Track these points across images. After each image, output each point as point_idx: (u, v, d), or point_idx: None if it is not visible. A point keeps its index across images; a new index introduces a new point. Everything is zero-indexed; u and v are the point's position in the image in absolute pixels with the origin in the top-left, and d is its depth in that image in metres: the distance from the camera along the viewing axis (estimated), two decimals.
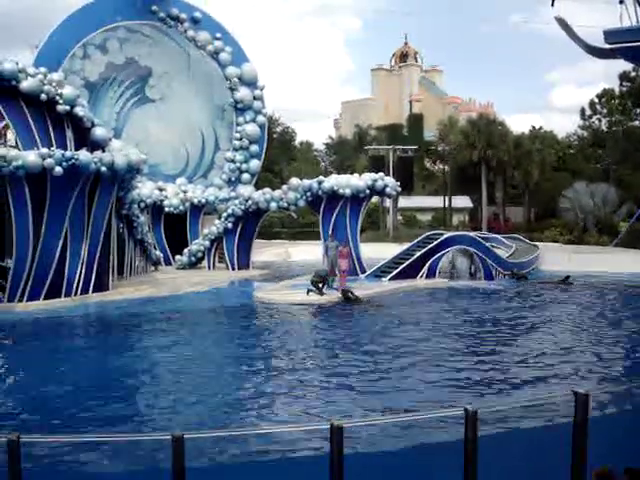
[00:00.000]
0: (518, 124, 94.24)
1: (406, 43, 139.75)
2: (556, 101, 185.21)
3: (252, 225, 34.66)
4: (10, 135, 31.04)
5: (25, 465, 6.13)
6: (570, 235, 47.75)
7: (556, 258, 37.14)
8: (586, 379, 13.52)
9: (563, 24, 13.44)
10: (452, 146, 59.42)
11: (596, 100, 59.74)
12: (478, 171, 55.93)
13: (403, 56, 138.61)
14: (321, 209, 32.08)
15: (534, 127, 62.97)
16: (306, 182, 32.57)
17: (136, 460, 8.60)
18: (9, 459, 6.25)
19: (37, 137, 24.44)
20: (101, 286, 25.61)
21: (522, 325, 20.38)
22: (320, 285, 25.22)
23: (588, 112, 60.57)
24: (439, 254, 30.58)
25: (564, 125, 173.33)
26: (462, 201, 63.54)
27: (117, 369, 15.07)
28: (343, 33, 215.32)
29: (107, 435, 9.01)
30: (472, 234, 34.49)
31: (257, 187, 37.79)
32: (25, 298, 23.40)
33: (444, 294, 27.27)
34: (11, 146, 25.99)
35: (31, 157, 22.48)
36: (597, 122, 60.64)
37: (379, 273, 30.67)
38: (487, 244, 32.57)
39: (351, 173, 35.95)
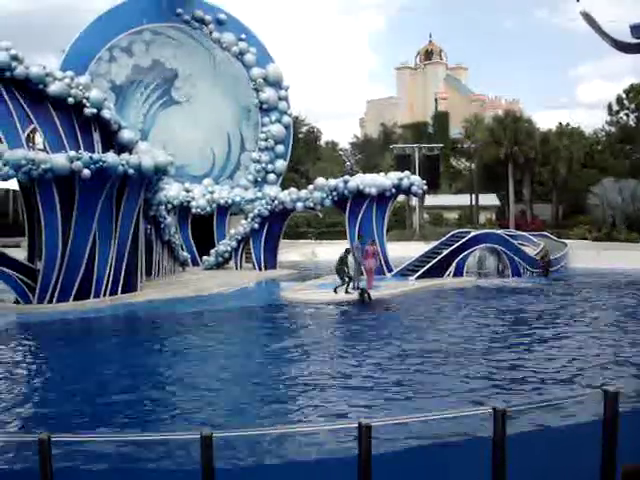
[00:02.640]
0: (545, 121, 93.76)
1: (431, 41, 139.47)
2: (583, 97, 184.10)
3: (278, 225, 34.75)
4: (38, 138, 31.39)
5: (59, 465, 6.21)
6: (599, 232, 47.26)
7: (585, 255, 36.83)
8: (617, 377, 13.38)
9: (589, 19, 13.26)
10: (478, 144, 59.14)
11: (623, 95, 59.17)
12: (505, 168, 55.65)
13: (428, 54, 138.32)
14: (347, 208, 32.05)
15: (561, 123, 62.48)
16: (332, 182, 32.55)
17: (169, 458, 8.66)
18: (40, 458, 6.33)
19: (65, 140, 24.70)
20: (129, 287, 25.81)
21: (551, 322, 20.20)
22: (344, 276, 25.33)
23: (615, 107, 59.98)
24: (466, 252, 30.43)
25: (591, 121, 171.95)
26: (489, 199, 63.19)
27: (148, 368, 15.17)
28: (367, 32, 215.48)
29: (137, 434, 9.09)
30: (499, 232, 34.31)
31: (283, 187, 37.88)
32: (55, 299, 23.63)
33: (471, 293, 27.13)
34: (39, 149, 26.26)
35: (59, 160, 22.71)
36: (625, 117, 60.04)
37: (406, 272, 30.59)
38: (515, 242, 32.35)
39: (377, 172, 35.90)
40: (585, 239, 46.13)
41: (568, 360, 15.04)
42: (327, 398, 12.36)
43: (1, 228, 48.37)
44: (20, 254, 26.33)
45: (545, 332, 18.64)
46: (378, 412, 11.11)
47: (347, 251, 26.18)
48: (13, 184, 28.06)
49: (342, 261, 25.58)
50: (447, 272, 29.98)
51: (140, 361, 16.03)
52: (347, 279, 25.54)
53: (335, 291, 25.27)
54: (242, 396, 12.69)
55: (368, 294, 24.61)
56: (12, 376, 14.58)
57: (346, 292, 25.23)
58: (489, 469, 7.08)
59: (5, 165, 22.59)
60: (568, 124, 62.77)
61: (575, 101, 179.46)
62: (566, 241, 40.62)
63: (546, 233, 42.72)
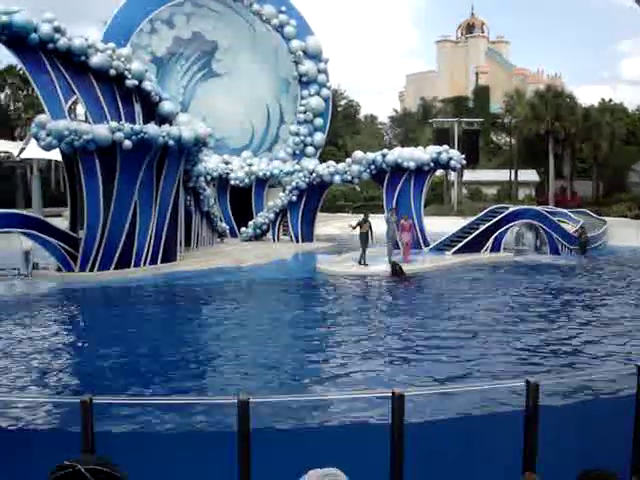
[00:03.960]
0: (587, 96, 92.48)
1: (472, 14, 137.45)
2: (626, 72, 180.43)
3: (316, 198, 34.87)
4: (80, 109, 31.79)
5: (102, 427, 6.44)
6: (639, 210, 46.62)
7: (624, 233, 36.42)
8: None
9: None
10: (519, 118, 58.45)
11: None
12: (545, 144, 54.99)
13: (469, 27, 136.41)
14: (385, 182, 32.07)
15: (603, 99, 61.51)
16: (370, 155, 32.55)
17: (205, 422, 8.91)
18: (83, 419, 6.58)
19: (106, 111, 24.99)
20: (169, 257, 26.20)
21: (589, 300, 20.12)
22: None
23: None
24: (504, 228, 30.26)
25: (634, 97, 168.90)
26: (529, 175, 62.53)
27: (188, 336, 15.49)
28: (408, 5, 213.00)
29: (175, 398, 9.36)
30: (538, 208, 34.05)
31: (321, 160, 37.93)
32: (96, 268, 24.09)
33: (508, 268, 27.04)
34: (81, 120, 26.63)
35: (101, 131, 23.05)
36: None
37: (443, 247, 30.56)
38: (553, 218, 32.08)
39: (415, 146, 35.79)
40: (625, 217, 45.54)
41: (606, 336, 15.03)
42: (366, 367, 12.54)
43: (44, 198, 49.25)
44: (62, 224, 26.84)
45: (584, 310, 18.60)
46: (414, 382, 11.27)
47: (364, 220, 26.57)
48: (56, 154, 28.49)
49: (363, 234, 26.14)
50: (484, 247, 29.87)
51: (179, 329, 16.35)
52: (361, 251, 26.00)
53: (360, 263, 25.75)
54: (275, 366, 12.93)
55: (401, 267, 24.63)
56: (51, 341, 15.00)
57: (359, 264, 25.76)
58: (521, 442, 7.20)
59: (48, 135, 23.01)
60: (611, 100, 61.84)
61: (618, 77, 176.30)
62: (606, 219, 40.16)
63: (585, 210, 42.24)
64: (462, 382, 11.13)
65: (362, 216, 27.07)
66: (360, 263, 26.03)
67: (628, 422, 7.16)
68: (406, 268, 24.82)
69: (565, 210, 38.91)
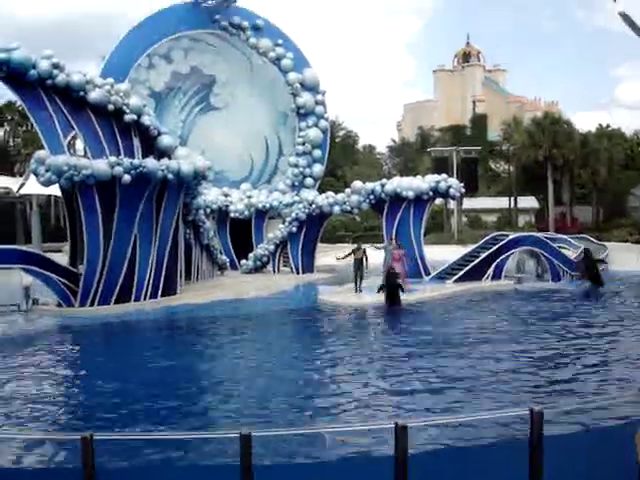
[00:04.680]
0: (584, 122, 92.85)
1: (468, 43, 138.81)
2: (622, 97, 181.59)
3: (316, 229, 34.89)
4: (79, 144, 31.92)
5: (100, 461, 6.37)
6: (639, 234, 46.63)
7: (625, 258, 36.35)
8: None
9: (627, 19, 13.21)
10: (517, 146, 58.71)
11: None
12: (544, 171, 55.18)
13: (465, 56, 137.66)
14: (384, 212, 32.10)
15: (601, 125, 61.80)
16: (369, 185, 32.65)
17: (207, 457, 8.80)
18: (83, 456, 6.50)
19: (105, 146, 25.10)
20: (169, 290, 26.14)
21: (590, 328, 19.97)
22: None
23: None
24: (505, 255, 30.18)
25: (632, 122, 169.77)
26: (528, 201, 62.69)
27: (190, 370, 15.38)
28: (404, 35, 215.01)
29: (177, 433, 9.26)
30: (538, 234, 34.02)
31: (320, 191, 38.02)
32: (96, 303, 24.01)
33: (509, 296, 26.91)
34: (80, 155, 26.72)
35: (101, 166, 23.11)
36: None
37: (443, 275, 30.47)
38: (554, 245, 32.03)
39: (414, 175, 35.89)
40: (626, 242, 45.53)
41: (609, 363, 14.92)
42: (363, 399, 12.43)
43: (44, 233, 49.29)
44: (62, 259, 26.81)
45: (582, 335, 18.47)
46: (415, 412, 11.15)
47: (358, 247, 26.90)
48: (55, 190, 28.56)
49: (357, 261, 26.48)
50: (485, 275, 29.79)
51: (183, 362, 16.24)
52: (354, 277, 26.40)
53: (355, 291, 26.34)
54: (281, 396, 12.81)
55: (393, 293, 24.01)
56: (54, 376, 14.90)
57: (355, 291, 26.13)
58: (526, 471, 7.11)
59: (47, 171, 23.06)
60: (608, 125, 62.10)
61: (615, 102, 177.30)
62: (606, 244, 40.13)
63: (586, 236, 42.20)
64: (466, 411, 11.02)
65: (355, 245, 27.24)
66: (356, 291, 26.14)
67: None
68: (407, 298, 24.68)
69: (565, 236, 38.89)
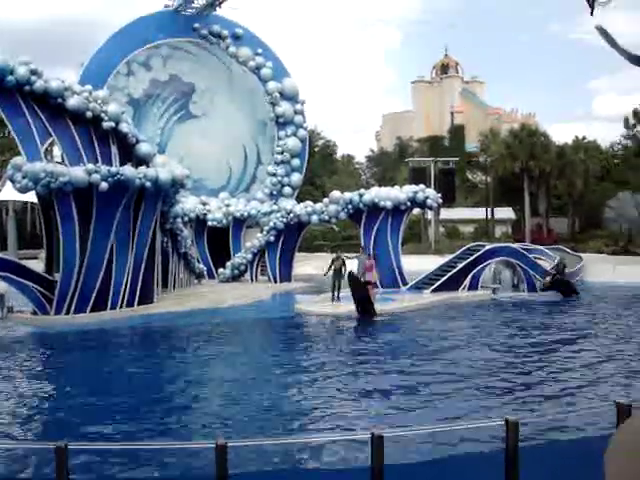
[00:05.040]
0: (561, 134, 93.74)
1: (446, 55, 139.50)
2: (599, 110, 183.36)
3: (294, 238, 34.89)
4: (56, 151, 31.72)
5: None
6: (615, 246, 47.08)
7: (601, 269, 36.69)
8: (630, 390, 13.36)
9: (604, 33, 13.33)
10: (494, 157, 59.12)
11: None
12: (521, 182, 55.62)
13: (444, 67, 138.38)
14: (362, 222, 32.18)
15: (577, 137, 62.39)
16: (347, 195, 32.73)
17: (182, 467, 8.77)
18: (57, 466, 6.46)
19: (83, 153, 24.95)
20: (146, 299, 26.00)
21: (565, 337, 20.14)
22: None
23: (632, 121, 59.81)
24: (481, 266, 30.36)
25: (608, 134, 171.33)
26: (505, 212, 63.07)
27: (164, 379, 15.31)
28: (383, 46, 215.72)
29: (151, 443, 9.21)
30: (514, 245, 34.27)
31: (299, 200, 38.01)
32: (72, 310, 23.83)
33: (486, 306, 27.10)
34: (57, 162, 26.55)
35: (78, 173, 22.97)
36: None
37: (421, 285, 30.57)
38: (530, 255, 32.28)
39: (392, 185, 36.03)
40: (601, 253, 45.93)
41: (583, 374, 15.04)
42: (341, 410, 12.43)
43: (20, 240, 48.88)
44: (38, 266, 26.60)
45: (557, 345, 18.62)
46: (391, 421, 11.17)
47: (337, 257, 26.96)
48: (32, 196, 28.35)
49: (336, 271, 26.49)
50: (462, 285, 29.93)
51: (157, 371, 16.17)
52: (332, 287, 26.49)
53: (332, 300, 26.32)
54: (257, 407, 12.78)
55: (366, 307, 24.02)
56: (28, 385, 14.77)
57: (332, 300, 26.17)
58: None
59: (24, 178, 22.89)
60: (584, 137, 62.70)
61: (591, 114, 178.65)
62: (582, 255, 40.47)
63: (561, 246, 42.56)
64: (445, 422, 11.06)
65: (334, 255, 27.24)
66: (333, 300, 26.14)
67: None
68: (384, 308, 24.74)
69: (541, 247, 39.19)
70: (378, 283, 27.38)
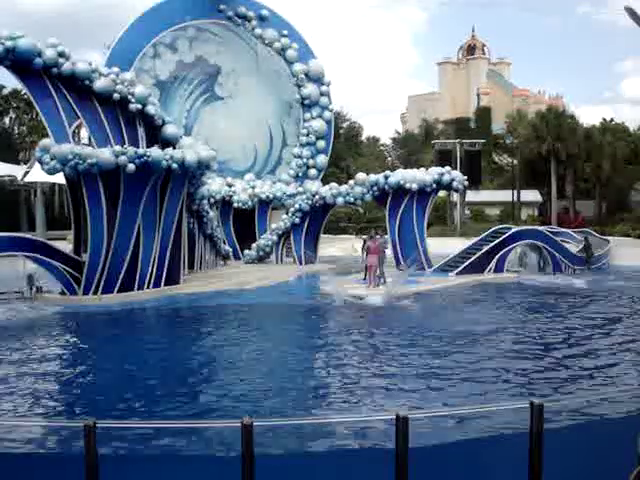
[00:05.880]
0: (588, 116, 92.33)
1: (473, 36, 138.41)
2: (627, 92, 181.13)
3: (319, 220, 34.95)
4: (84, 133, 31.96)
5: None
6: None
7: (628, 253, 36.37)
8: None
9: (632, 14, 13.18)
10: (520, 139, 58.63)
11: None
12: (547, 165, 55.13)
13: (470, 49, 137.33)
14: (387, 204, 32.16)
15: (605, 119, 61.64)
16: (372, 177, 32.71)
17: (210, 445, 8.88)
18: (85, 444, 6.57)
19: (110, 135, 25.16)
20: (172, 280, 26.20)
21: (590, 321, 20.02)
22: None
23: None
24: (507, 248, 30.26)
25: (636, 116, 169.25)
26: (531, 195, 62.64)
27: (191, 360, 15.45)
28: (409, 27, 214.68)
29: (180, 422, 9.34)
30: (541, 228, 34.08)
31: (324, 182, 38.04)
32: (99, 291, 24.08)
33: (511, 288, 26.98)
34: (85, 144, 26.76)
35: (105, 154, 23.13)
36: None
37: (446, 267, 30.55)
38: (556, 238, 32.11)
39: (418, 167, 35.92)
40: (628, 236, 45.49)
41: (606, 359, 14.97)
42: (367, 391, 12.50)
43: (48, 221, 49.43)
44: (66, 247, 26.88)
45: (590, 330, 18.52)
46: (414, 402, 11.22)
47: (370, 238, 26.63)
48: (60, 178, 28.60)
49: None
50: (488, 268, 29.87)
51: (185, 351, 16.32)
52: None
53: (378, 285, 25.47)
54: (283, 386, 12.89)
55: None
56: (56, 365, 14.99)
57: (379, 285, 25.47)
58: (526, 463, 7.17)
59: (52, 159, 23.10)
60: (612, 120, 61.94)
61: (619, 96, 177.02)
62: (609, 238, 40.13)
63: (589, 230, 42.21)
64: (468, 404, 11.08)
65: (366, 236, 27.02)
66: (369, 281, 25.79)
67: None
68: (409, 290, 24.74)
69: (568, 230, 38.92)
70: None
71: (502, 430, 9.21)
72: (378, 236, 27.33)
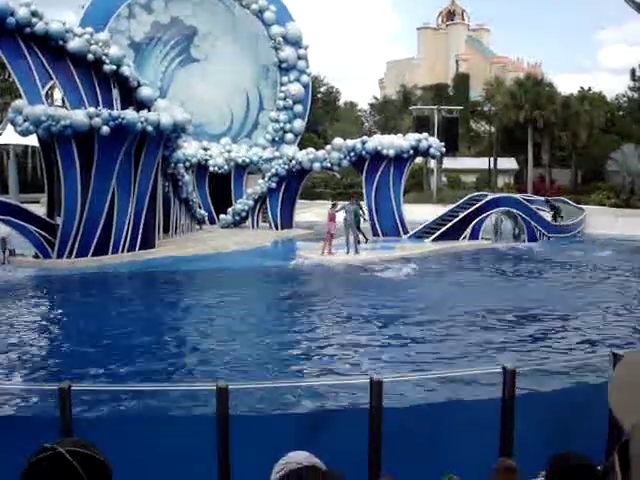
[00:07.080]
0: (566, 84, 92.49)
1: (453, 1, 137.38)
2: (605, 61, 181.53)
3: (295, 185, 34.82)
4: (57, 95, 31.47)
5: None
6: (617, 199, 46.93)
7: (602, 221, 36.71)
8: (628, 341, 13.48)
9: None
10: (498, 107, 58.58)
11: None
12: (525, 132, 55.21)
13: (450, 14, 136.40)
14: (364, 169, 32.10)
15: (583, 88, 61.71)
16: (350, 142, 32.57)
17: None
18: (60, 407, 6.56)
19: (84, 97, 24.79)
20: (147, 244, 26.06)
21: (563, 287, 20.25)
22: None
23: (638, 73, 59.11)
24: (483, 215, 30.41)
25: (613, 86, 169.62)
26: (508, 163, 62.75)
27: (165, 323, 15.45)
28: None
29: (153, 385, 9.34)
30: (516, 196, 34.26)
31: (301, 147, 37.81)
32: (73, 254, 23.92)
33: (486, 255, 27.20)
34: (58, 106, 26.37)
35: (79, 116, 22.83)
36: None
37: (422, 234, 30.64)
38: (531, 206, 32.31)
39: (395, 133, 35.81)
40: (603, 205, 45.83)
41: (576, 324, 15.16)
42: (337, 354, 12.58)
43: (21, 184, 48.84)
44: (39, 210, 26.62)
45: (554, 293, 18.73)
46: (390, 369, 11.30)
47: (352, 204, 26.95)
48: (33, 140, 28.22)
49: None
50: (463, 235, 30.01)
51: (158, 314, 16.31)
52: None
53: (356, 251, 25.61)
54: (258, 352, 12.93)
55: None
56: (29, 329, 14.91)
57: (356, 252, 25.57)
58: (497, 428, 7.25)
59: (25, 121, 22.78)
60: (590, 89, 62.00)
61: (598, 65, 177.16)
62: (584, 207, 40.42)
63: (563, 198, 42.46)
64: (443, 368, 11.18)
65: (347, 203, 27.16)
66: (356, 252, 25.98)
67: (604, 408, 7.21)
68: (383, 255, 24.85)
69: (543, 198, 39.15)
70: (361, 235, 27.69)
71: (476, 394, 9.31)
72: (348, 203, 27.63)
